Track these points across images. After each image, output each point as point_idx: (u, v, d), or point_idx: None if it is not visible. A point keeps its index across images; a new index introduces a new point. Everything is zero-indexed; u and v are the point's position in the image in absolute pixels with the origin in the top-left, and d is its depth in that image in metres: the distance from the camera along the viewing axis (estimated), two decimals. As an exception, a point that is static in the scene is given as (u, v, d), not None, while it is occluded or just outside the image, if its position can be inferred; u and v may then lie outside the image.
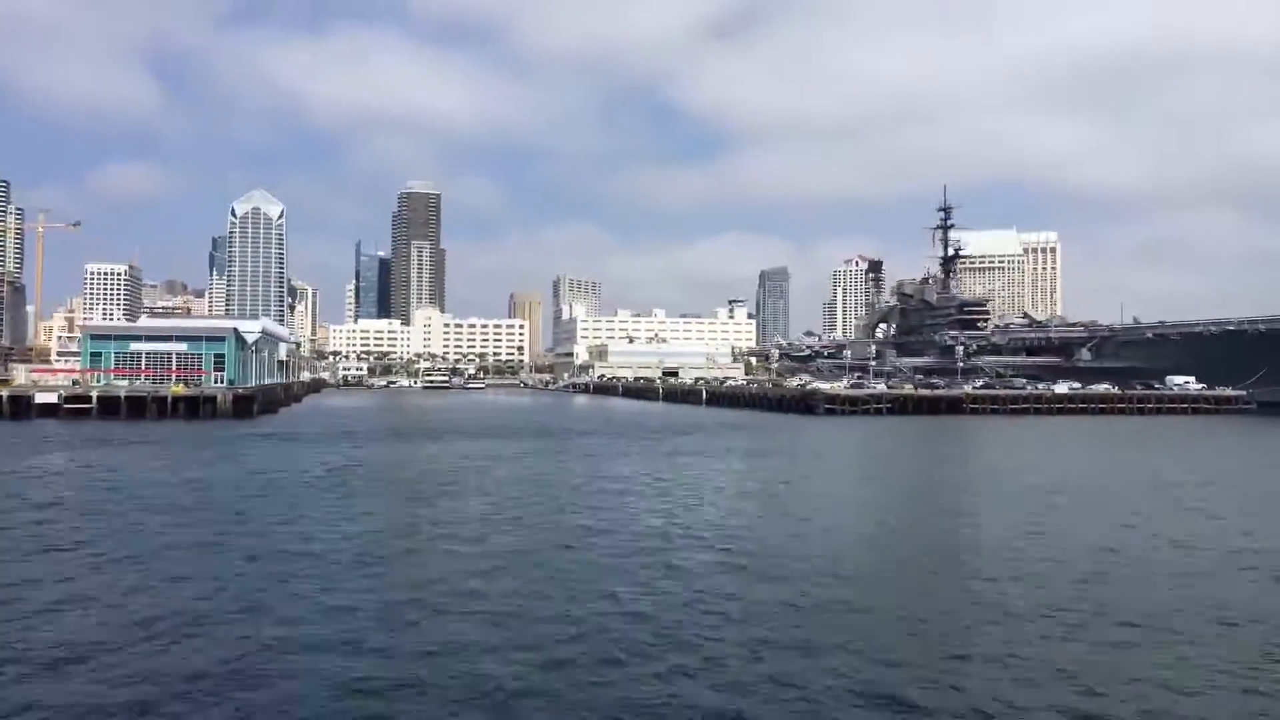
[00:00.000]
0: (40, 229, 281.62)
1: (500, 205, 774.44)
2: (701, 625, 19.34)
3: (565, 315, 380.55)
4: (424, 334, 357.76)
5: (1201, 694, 15.55)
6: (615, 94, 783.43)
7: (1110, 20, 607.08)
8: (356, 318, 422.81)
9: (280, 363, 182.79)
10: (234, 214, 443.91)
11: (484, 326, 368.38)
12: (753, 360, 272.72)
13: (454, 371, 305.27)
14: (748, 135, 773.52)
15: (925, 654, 17.50)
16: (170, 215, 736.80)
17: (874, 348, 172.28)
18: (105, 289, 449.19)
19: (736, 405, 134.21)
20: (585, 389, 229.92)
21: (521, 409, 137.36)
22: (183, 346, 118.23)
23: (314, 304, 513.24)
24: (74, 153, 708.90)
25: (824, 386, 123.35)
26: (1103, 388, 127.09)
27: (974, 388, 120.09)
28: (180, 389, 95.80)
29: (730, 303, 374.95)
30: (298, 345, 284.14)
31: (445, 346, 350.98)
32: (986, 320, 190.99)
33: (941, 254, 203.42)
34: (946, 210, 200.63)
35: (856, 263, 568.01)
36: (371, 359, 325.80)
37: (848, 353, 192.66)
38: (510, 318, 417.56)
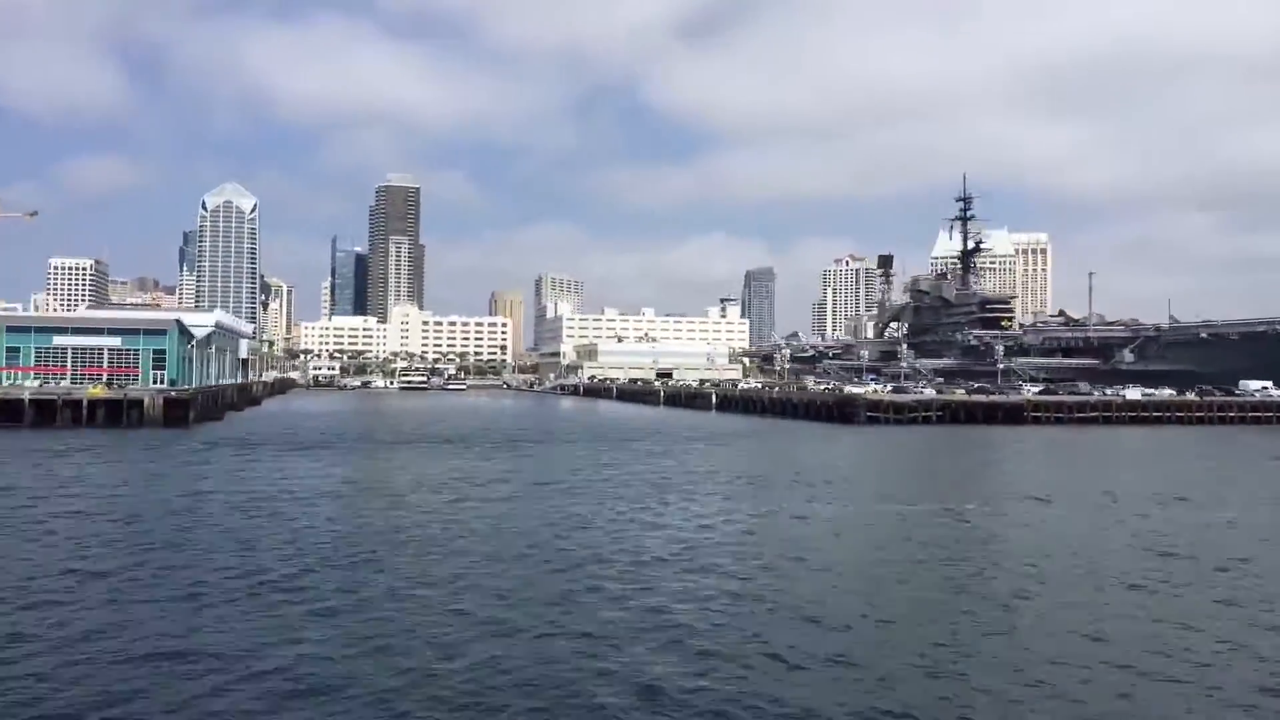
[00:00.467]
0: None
1: (477, 203, 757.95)
2: None
3: (550, 313, 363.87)
4: (401, 332, 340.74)
5: None
6: (591, 91, 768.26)
7: (1086, 24, 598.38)
8: (332, 315, 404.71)
9: (242, 361, 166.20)
10: (205, 207, 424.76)
11: (464, 325, 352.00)
12: (746, 361, 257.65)
13: (433, 372, 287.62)
14: (725, 134, 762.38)
15: None
16: (142, 212, 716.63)
17: (903, 346, 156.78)
18: (70, 284, 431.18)
19: (752, 411, 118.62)
20: (575, 391, 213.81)
21: (508, 413, 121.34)
22: (116, 341, 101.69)
23: (289, 302, 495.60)
24: (40, 147, 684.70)
25: (856, 390, 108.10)
26: (1166, 393, 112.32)
27: (1034, 393, 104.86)
28: (99, 391, 79.11)
29: (722, 301, 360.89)
30: (265, 343, 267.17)
31: (424, 345, 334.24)
32: (1011, 318, 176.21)
33: (960, 247, 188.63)
34: (966, 200, 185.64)
35: (847, 262, 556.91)
36: (345, 358, 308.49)
37: (866, 353, 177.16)
38: (492, 316, 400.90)
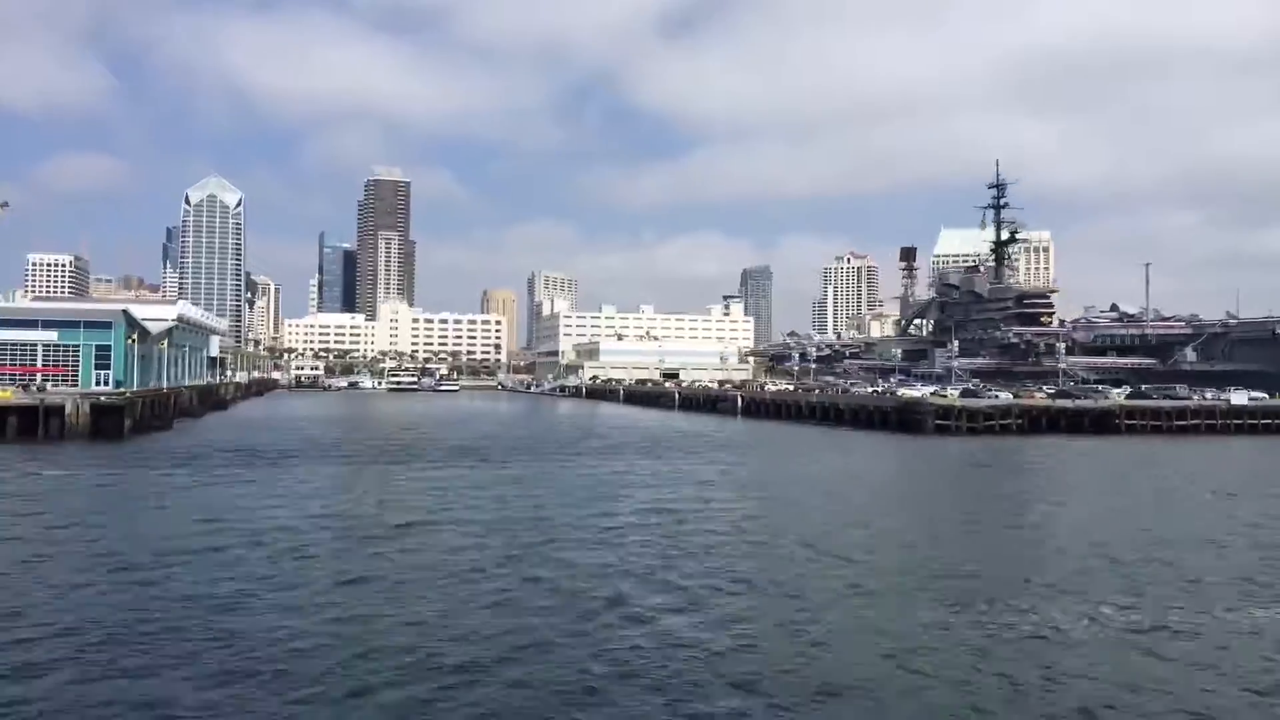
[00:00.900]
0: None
1: (464, 201, 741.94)
2: None
3: (546, 311, 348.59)
4: (391, 330, 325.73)
5: None
6: (574, 87, 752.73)
7: (1070, 19, 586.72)
8: (319, 313, 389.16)
9: (212, 360, 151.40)
10: (188, 202, 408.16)
11: (457, 322, 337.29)
12: (753, 361, 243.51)
13: (424, 372, 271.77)
14: (707, 132, 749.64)
15: None
16: (125, 210, 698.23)
17: (952, 343, 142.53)
18: (50, 281, 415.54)
19: (784, 417, 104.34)
20: (576, 392, 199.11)
21: (506, 418, 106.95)
22: (51, 335, 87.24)
23: (275, 299, 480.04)
24: (21, 144, 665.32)
25: (912, 393, 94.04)
26: (1246, 395, 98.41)
27: (1125, 397, 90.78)
28: (9, 395, 64.38)
29: (726, 299, 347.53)
30: (245, 341, 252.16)
31: (414, 344, 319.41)
32: (1052, 314, 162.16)
33: (994, 238, 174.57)
34: (1000, 187, 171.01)
35: (849, 260, 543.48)
36: (331, 357, 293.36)
37: (897, 352, 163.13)
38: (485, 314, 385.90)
